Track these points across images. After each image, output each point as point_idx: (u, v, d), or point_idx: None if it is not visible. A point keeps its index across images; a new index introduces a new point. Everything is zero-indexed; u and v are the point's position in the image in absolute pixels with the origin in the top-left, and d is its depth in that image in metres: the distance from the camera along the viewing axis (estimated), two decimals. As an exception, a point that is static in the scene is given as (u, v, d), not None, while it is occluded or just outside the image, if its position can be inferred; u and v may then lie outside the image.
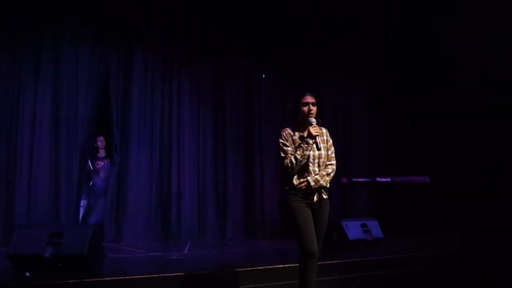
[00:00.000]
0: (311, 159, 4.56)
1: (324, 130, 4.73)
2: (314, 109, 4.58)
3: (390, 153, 9.84)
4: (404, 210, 9.05)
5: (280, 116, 9.35)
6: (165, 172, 8.70)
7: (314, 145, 4.56)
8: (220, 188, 8.98)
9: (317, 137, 4.51)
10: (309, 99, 4.62)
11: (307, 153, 4.49)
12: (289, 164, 4.49)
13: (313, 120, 4.58)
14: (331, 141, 4.73)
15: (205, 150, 9.07)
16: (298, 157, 4.45)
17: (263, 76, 9.18)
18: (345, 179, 8.92)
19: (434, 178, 8.98)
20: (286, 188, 4.61)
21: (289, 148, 4.54)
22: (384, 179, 8.79)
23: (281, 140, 4.59)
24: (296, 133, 4.63)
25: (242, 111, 9.32)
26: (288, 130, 4.64)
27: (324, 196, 4.59)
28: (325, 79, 9.84)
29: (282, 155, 4.54)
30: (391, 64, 9.63)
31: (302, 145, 4.51)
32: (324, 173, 4.56)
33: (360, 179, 8.95)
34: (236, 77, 9.30)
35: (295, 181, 4.52)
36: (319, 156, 4.58)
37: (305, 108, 4.58)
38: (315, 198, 4.54)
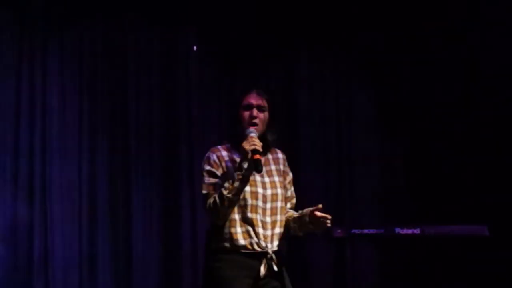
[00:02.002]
0: (251, 200, 3.54)
1: (280, 155, 3.75)
2: (261, 116, 3.60)
3: (417, 188, 8.10)
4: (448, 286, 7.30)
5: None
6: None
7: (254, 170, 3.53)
8: (119, 249, 6.96)
9: (255, 152, 3.44)
10: (254, 99, 3.63)
11: (239, 185, 3.45)
12: (211, 206, 3.48)
13: (251, 130, 3.53)
14: (290, 174, 3.79)
15: (92, 181, 7.00)
16: (225, 192, 3.43)
17: (194, 48, 7.45)
18: (339, 231, 7.33)
19: (496, 227, 7.08)
20: (211, 247, 3.57)
21: (217, 180, 3.54)
22: (410, 231, 7.16)
23: (206, 167, 3.60)
24: (235, 155, 3.61)
25: (160, 112, 7.31)
26: (221, 151, 3.63)
27: (275, 267, 3.50)
28: (305, 59, 7.92)
29: (204, 191, 3.54)
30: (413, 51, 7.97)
31: (233, 170, 3.53)
32: (279, 228, 3.59)
33: (366, 231, 7.38)
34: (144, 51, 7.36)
35: (228, 238, 3.52)
36: (273, 198, 3.59)
37: (246, 114, 3.62)
38: (262, 269, 3.48)
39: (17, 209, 6.61)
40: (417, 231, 7.11)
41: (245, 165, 3.50)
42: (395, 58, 7.95)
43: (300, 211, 3.67)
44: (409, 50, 7.91)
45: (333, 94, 8.01)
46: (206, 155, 3.64)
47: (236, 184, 3.48)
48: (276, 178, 3.70)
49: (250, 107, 3.66)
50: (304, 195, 7.42)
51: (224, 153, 3.63)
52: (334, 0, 7.52)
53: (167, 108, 7.23)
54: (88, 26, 7.02)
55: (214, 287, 3.58)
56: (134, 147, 7.05)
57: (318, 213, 3.61)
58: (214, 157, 3.62)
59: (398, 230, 7.15)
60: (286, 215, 3.72)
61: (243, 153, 3.53)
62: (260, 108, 3.67)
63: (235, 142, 3.65)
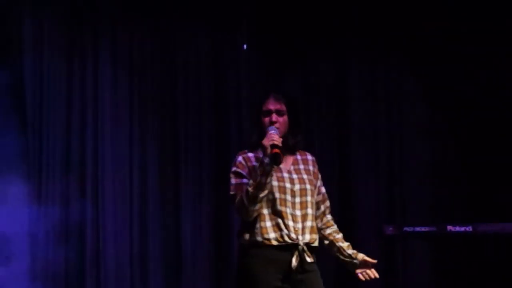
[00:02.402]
0: (279, 194, 3.58)
1: (309, 156, 3.80)
2: (280, 120, 3.66)
3: (470, 184, 7.92)
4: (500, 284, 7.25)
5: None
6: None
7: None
8: (169, 251, 6.90)
9: (274, 147, 3.48)
10: (273, 105, 3.69)
11: (262, 180, 3.47)
12: (239, 204, 3.54)
13: (272, 127, 3.59)
14: (320, 175, 3.82)
15: (143, 184, 6.96)
16: (250, 189, 3.47)
17: (244, 47, 7.34)
18: (391, 229, 7.30)
19: None
20: (243, 244, 3.59)
21: (245, 181, 3.59)
22: (462, 228, 7.17)
23: (233, 168, 3.66)
24: (260, 154, 3.64)
25: (210, 111, 7.21)
26: (247, 153, 3.70)
27: (309, 259, 3.53)
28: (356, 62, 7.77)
29: (232, 192, 3.61)
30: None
31: (257, 169, 3.53)
32: (311, 222, 3.61)
33: (417, 229, 7.37)
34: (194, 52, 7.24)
35: (259, 232, 3.55)
36: (302, 192, 3.64)
37: (266, 120, 3.68)
38: (294, 261, 3.49)
39: (69, 210, 6.63)
40: (469, 228, 7.12)
41: (266, 160, 3.55)
42: (450, 63, 7.78)
43: (351, 250, 3.73)
44: (467, 54, 7.70)
45: (383, 88, 7.95)
46: (234, 158, 3.72)
47: (259, 179, 3.52)
48: (305, 176, 3.75)
49: (269, 112, 3.71)
50: (356, 195, 7.32)
51: (250, 155, 3.69)
52: (387, 4, 7.47)
53: (216, 108, 7.22)
54: (136, 27, 7.06)
55: (245, 283, 3.62)
56: (183, 149, 7.07)
57: (368, 268, 3.69)
58: (240, 158, 3.68)
59: (450, 227, 7.15)
60: (329, 230, 3.78)
61: (264, 149, 3.58)
62: (279, 113, 3.71)
63: (257, 146, 3.70)
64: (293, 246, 3.56)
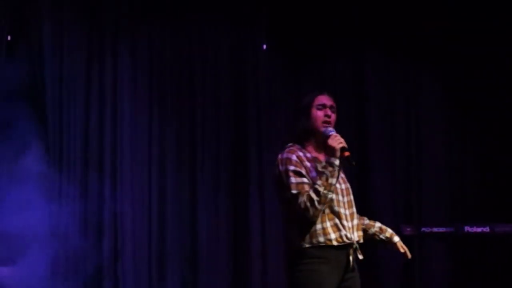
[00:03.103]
0: (335, 195, 3.55)
1: None
2: (333, 116, 3.65)
3: (487, 185, 7.93)
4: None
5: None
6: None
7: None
8: (186, 249, 6.91)
9: (344, 150, 3.48)
10: (327, 100, 3.65)
11: (333, 181, 3.46)
12: (307, 204, 3.42)
13: (331, 129, 3.56)
14: None
15: (161, 183, 6.94)
16: (321, 189, 3.42)
17: (264, 47, 7.34)
18: (409, 229, 7.11)
19: None
20: (301, 247, 3.47)
21: (305, 180, 3.49)
22: (479, 229, 7.05)
23: (290, 167, 3.52)
24: (308, 154, 3.61)
25: (228, 111, 7.19)
26: (298, 151, 3.58)
27: (360, 257, 3.59)
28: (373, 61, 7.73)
29: (294, 191, 3.46)
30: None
31: (324, 170, 3.47)
32: (356, 219, 3.63)
33: (435, 229, 7.21)
34: (213, 52, 7.23)
35: (321, 233, 3.48)
36: (347, 191, 3.65)
37: (320, 113, 3.62)
38: (351, 260, 3.51)
39: (88, 208, 6.66)
40: (486, 229, 7.05)
41: (337, 162, 3.53)
42: (467, 60, 7.78)
43: (383, 231, 3.86)
44: (482, 53, 7.70)
45: (400, 88, 7.95)
46: (284, 156, 3.63)
47: (331, 180, 3.49)
48: (343, 175, 3.75)
49: (324, 106, 3.68)
50: (374, 195, 7.29)
51: (301, 153, 3.63)
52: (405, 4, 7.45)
53: (235, 107, 7.20)
54: (155, 28, 7.05)
55: (307, 283, 3.55)
56: (201, 148, 7.03)
57: (402, 248, 3.81)
58: (295, 157, 3.61)
59: (467, 228, 7.08)
60: (368, 222, 3.87)
61: (331, 151, 3.56)
62: (333, 109, 3.70)
63: (301, 141, 3.68)
64: (349, 246, 3.58)
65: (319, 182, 3.50)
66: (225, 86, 7.17)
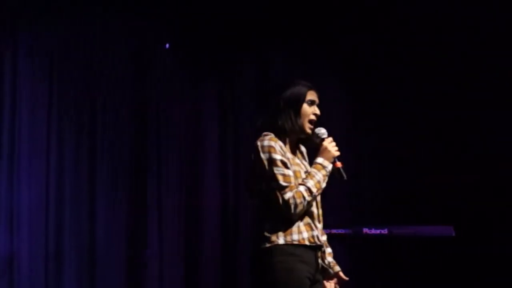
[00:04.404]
0: None
1: (303, 149, 3.65)
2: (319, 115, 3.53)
3: (385, 188, 8.00)
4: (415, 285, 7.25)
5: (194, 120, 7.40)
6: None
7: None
8: (84, 244, 6.77)
9: (336, 160, 3.50)
10: (316, 97, 3.53)
11: (323, 186, 3.44)
12: (297, 201, 3.30)
13: (324, 131, 3.49)
14: None
15: (59, 179, 6.78)
16: (314, 190, 3.35)
17: (167, 46, 7.31)
18: None
19: (464, 228, 7.08)
20: (274, 243, 3.31)
21: (291, 173, 3.33)
22: (377, 231, 7.21)
23: (276, 156, 3.32)
24: (286, 148, 3.43)
25: (129, 109, 7.11)
26: (279, 141, 3.37)
27: (326, 261, 3.51)
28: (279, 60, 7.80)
29: (283, 183, 3.29)
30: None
31: (316, 171, 3.41)
32: (322, 221, 3.59)
33: (334, 231, 7.23)
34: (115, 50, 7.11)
35: (294, 231, 3.36)
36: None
37: (310, 110, 3.49)
38: (319, 262, 3.44)
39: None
40: (384, 231, 7.10)
41: (330, 167, 3.48)
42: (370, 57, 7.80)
43: (331, 258, 3.65)
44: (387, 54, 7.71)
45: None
46: (265, 144, 3.41)
47: (323, 184, 3.43)
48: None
49: (313, 103, 3.56)
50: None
51: (281, 143, 3.46)
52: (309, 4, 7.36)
53: (135, 105, 7.13)
54: (56, 24, 6.91)
55: (283, 281, 3.39)
56: (100, 147, 6.97)
57: (337, 283, 3.63)
58: (278, 147, 3.42)
59: (366, 230, 7.12)
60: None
61: (326, 154, 3.49)
62: (319, 108, 3.61)
63: (280, 134, 3.49)
64: (319, 248, 3.49)
65: (311, 181, 3.40)
66: (127, 84, 7.08)
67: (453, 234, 6.94)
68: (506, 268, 7.30)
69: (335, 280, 3.63)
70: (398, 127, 7.89)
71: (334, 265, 3.62)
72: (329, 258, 3.60)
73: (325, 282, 3.57)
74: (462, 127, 7.62)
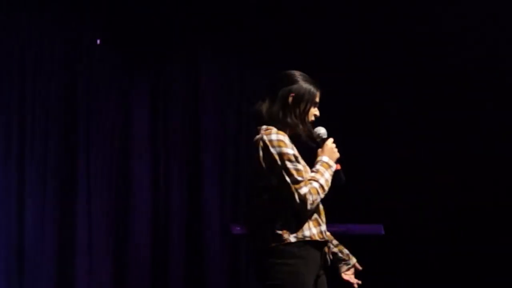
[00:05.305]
0: None
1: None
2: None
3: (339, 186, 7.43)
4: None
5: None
6: None
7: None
8: (12, 244, 6.66)
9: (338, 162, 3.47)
10: (319, 98, 3.49)
11: (330, 184, 3.38)
12: (313, 197, 3.25)
13: (323, 131, 3.47)
14: None
15: None
16: (326, 187, 3.31)
17: (98, 42, 7.21)
18: (238, 228, 7.12)
19: (395, 226, 7.19)
20: (284, 242, 3.24)
21: (302, 167, 3.28)
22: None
23: (287, 150, 3.25)
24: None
25: (59, 106, 6.94)
26: (286, 135, 3.31)
27: (330, 257, 3.50)
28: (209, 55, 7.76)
29: (298, 177, 3.23)
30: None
31: (324, 169, 3.35)
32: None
33: None
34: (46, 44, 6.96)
35: (305, 227, 3.31)
36: None
37: (313, 111, 3.44)
38: (328, 258, 3.45)
39: None
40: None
41: (334, 167, 3.41)
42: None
43: (346, 251, 3.68)
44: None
45: (238, 87, 7.92)
46: (274, 138, 3.32)
47: (330, 183, 3.36)
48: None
49: (317, 105, 3.51)
50: (205, 194, 7.25)
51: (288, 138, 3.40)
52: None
53: (65, 102, 7.03)
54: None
55: (290, 282, 3.33)
56: (29, 142, 6.85)
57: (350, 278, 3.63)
58: (288, 140, 3.36)
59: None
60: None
61: (332, 155, 3.44)
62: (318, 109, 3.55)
63: (284, 130, 3.40)
64: (326, 243, 3.45)
65: (322, 179, 3.34)
66: (57, 81, 6.96)
67: (383, 233, 7.01)
68: (434, 267, 7.44)
69: (352, 271, 3.64)
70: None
71: (351, 257, 3.64)
72: (345, 250, 3.63)
73: (343, 275, 3.61)
74: (388, 127, 7.72)
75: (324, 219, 3.44)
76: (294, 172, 3.24)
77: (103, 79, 7.17)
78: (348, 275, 3.63)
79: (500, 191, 7.39)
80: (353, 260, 3.65)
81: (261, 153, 3.28)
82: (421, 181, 7.69)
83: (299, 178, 3.23)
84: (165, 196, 7.39)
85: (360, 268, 3.64)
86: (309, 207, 3.25)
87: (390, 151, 7.79)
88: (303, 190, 3.22)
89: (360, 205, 7.68)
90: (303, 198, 3.23)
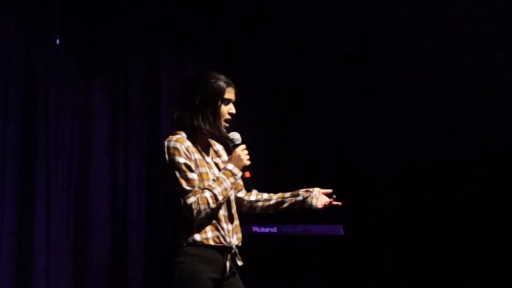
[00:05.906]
0: None
1: (219, 146, 3.55)
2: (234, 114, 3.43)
3: (276, 187, 7.25)
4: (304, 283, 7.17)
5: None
6: None
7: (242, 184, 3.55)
8: None
9: (247, 169, 3.41)
10: (234, 95, 3.41)
11: (231, 193, 3.36)
12: (201, 207, 3.22)
13: (237, 136, 3.39)
14: None
15: None
16: (220, 198, 3.27)
17: (57, 42, 7.06)
18: None
19: (354, 227, 7.14)
20: (177, 243, 3.27)
21: (195, 176, 3.27)
22: (267, 229, 7.23)
23: (179, 159, 3.24)
24: (199, 148, 3.35)
25: (17, 106, 6.80)
26: (186, 141, 3.28)
27: (239, 263, 3.43)
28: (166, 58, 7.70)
29: (186, 187, 3.23)
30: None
31: (224, 177, 3.32)
32: (237, 220, 3.46)
33: None
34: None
35: (197, 232, 3.31)
36: None
37: (225, 109, 3.37)
38: (228, 265, 3.34)
39: None
40: (274, 229, 7.09)
41: (239, 175, 3.40)
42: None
43: (300, 190, 3.67)
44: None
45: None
46: (171, 145, 3.31)
47: (230, 192, 3.35)
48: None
49: (229, 102, 3.45)
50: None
51: (189, 144, 3.36)
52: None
53: (24, 102, 6.92)
54: None
55: (182, 281, 3.36)
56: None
57: (328, 199, 3.65)
58: (184, 148, 3.33)
59: (255, 228, 7.10)
60: (265, 194, 3.68)
61: (238, 162, 3.41)
62: (235, 106, 3.51)
63: (191, 133, 3.41)
64: (228, 249, 3.42)
65: (218, 188, 3.33)
66: (16, 81, 6.82)
67: (342, 233, 6.99)
68: (394, 267, 7.43)
69: (322, 196, 3.67)
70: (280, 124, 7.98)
71: (310, 190, 3.66)
72: (297, 192, 3.67)
73: (318, 206, 3.65)
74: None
75: (226, 225, 3.40)
76: (183, 182, 3.25)
77: (62, 81, 7.08)
78: (321, 201, 3.66)
79: (457, 188, 7.43)
80: (315, 190, 3.66)
81: (161, 158, 3.31)
82: (380, 181, 7.64)
83: (188, 188, 3.24)
84: (124, 198, 7.29)
85: (329, 191, 3.68)
86: (195, 216, 3.25)
87: (348, 151, 7.80)
88: (190, 200, 3.22)
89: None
90: (189, 208, 3.23)
